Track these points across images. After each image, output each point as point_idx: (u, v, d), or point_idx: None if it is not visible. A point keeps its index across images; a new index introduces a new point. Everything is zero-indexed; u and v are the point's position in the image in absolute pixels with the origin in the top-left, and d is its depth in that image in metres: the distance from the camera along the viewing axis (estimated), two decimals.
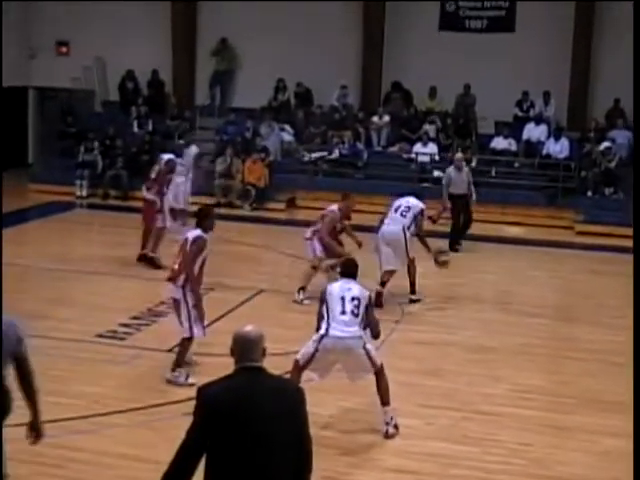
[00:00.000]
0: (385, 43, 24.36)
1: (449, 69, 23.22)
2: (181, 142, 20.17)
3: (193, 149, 19.62)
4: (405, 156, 23.01)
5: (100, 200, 21.72)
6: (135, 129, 24.06)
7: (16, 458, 7.71)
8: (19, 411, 8.66)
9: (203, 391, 4.72)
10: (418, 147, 22.77)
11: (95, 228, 19.31)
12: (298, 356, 8.73)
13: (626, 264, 17.30)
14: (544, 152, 22.47)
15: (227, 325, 11.25)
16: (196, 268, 9.82)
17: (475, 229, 18.33)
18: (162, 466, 4.76)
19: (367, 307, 8.72)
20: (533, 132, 22.88)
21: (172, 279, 9.91)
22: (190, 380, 9.54)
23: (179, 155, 17.80)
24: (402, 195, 14.01)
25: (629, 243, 18.81)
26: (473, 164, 22.64)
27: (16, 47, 25.13)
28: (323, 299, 8.78)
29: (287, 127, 23.67)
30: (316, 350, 8.62)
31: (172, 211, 16.06)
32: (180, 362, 9.88)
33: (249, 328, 4.89)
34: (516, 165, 22.57)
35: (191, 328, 9.76)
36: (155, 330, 11.73)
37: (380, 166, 22.74)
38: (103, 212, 20.55)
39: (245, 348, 4.78)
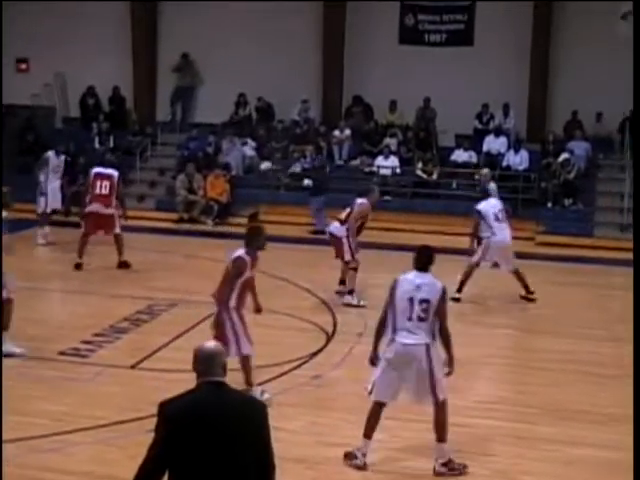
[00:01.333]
0: (345, 57, 24.50)
1: (409, 83, 23.38)
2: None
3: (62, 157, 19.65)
4: (367, 169, 23.11)
5: (62, 217, 21.56)
6: (96, 145, 23.97)
7: None
8: None
9: (165, 406, 4.71)
10: (379, 160, 22.88)
11: (56, 246, 19.14)
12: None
13: (587, 274, 17.53)
14: (504, 164, 22.66)
15: (191, 341, 11.20)
16: (235, 289, 9.56)
17: (436, 242, 18.38)
18: None
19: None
20: (493, 144, 23.08)
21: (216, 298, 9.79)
22: (266, 396, 9.40)
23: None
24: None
25: (589, 253, 19.10)
26: (434, 177, 22.81)
27: None
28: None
29: (249, 141, 23.69)
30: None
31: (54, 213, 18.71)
32: (250, 381, 9.60)
33: (210, 343, 4.91)
34: (477, 177, 22.72)
35: (239, 346, 9.52)
36: (118, 347, 11.67)
37: (342, 180, 22.80)
38: (64, 229, 20.38)
39: (206, 363, 4.78)
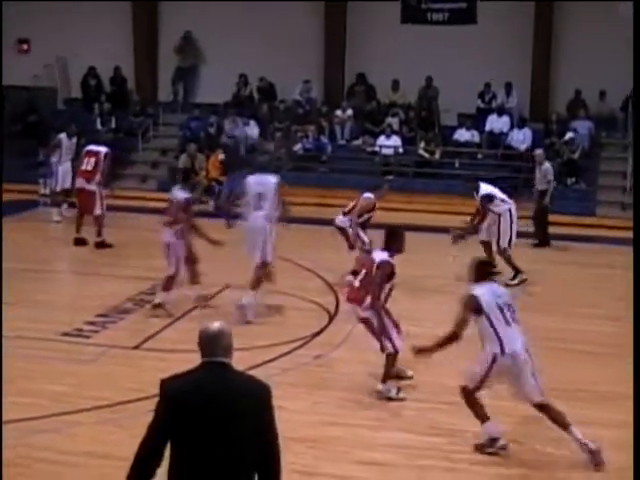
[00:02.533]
0: (347, 37, 24.42)
1: (411, 62, 23.31)
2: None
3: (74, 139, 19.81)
4: (369, 149, 23.07)
5: (63, 198, 21.56)
6: (98, 126, 23.92)
7: None
8: None
9: (165, 385, 4.72)
10: (381, 140, 22.85)
11: (59, 226, 19.13)
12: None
13: (589, 253, 17.51)
14: (506, 143, 22.61)
15: (193, 322, 11.24)
16: (382, 294, 9.52)
17: (439, 221, 18.40)
18: (129, 463, 4.75)
19: None
20: (495, 123, 23.03)
21: (356, 300, 9.66)
22: (401, 395, 9.48)
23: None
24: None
25: (592, 232, 19.07)
26: (437, 156, 22.80)
27: None
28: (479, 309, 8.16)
29: (251, 122, 23.64)
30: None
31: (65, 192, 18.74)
32: (388, 376, 9.60)
33: (215, 324, 4.89)
34: (479, 157, 22.70)
35: (392, 343, 9.50)
36: (121, 327, 11.69)
37: (344, 160, 22.79)
38: (66, 210, 20.38)
39: (210, 343, 4.78)
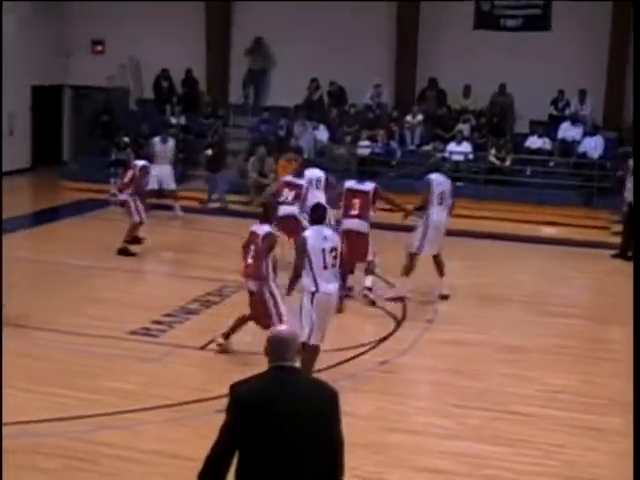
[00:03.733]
0: (419, 42, 24.29)
1: (483, 68, 23.11)
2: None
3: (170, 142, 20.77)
4: (439, 155, 22.95)
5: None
6: (170, 123, 24.15)
7: (48, 453, 7.82)
8: (53, 406, 8.79)
9: (236, 389, 4.72)
10: (452, 146, 22.70)
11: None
12: None
13: None
14: (579, 151, 22.32)
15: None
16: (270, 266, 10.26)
17: (509, 229, 18.27)
18: (194, 463, 4.77)
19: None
20: (568, 131, 22.72)
21: (248, 275, 10.32)
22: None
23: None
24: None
25: None
26: (507, 163, 22.58)
27: (52, 46, 25.32)
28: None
29: (321, 126, 23.66)
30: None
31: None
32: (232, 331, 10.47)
33: (283, 328, 4.92)
34: (551, 164, 22.43)
35: (280, 317, 10.10)
36: (188, 327, 11.77)
37: (413, 165, 22.69)
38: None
39: (279, 348, 4.77)
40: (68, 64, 26.16)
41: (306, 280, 9.22)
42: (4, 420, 8.26)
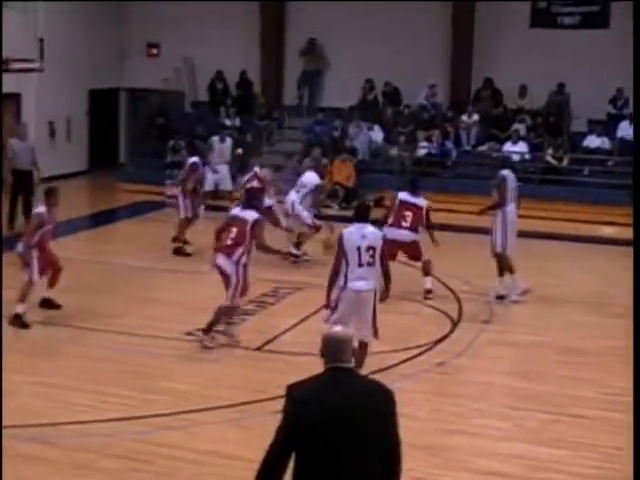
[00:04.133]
0: (474, 41, 24.14)
1: (539, 67, 22.88)
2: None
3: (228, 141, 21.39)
4: (495, 155, 22.77)
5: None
6: (225, 124, 24.27)
7: (109, 453, 7.88)
8: (113, 407, 8.87)
9: (293, 391, 4.70)
10: (508, 146, 22.51)
11: (194, 227, 19.50)
12: None
13: None
14: None
15: (315, 325, 11.25)
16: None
17: (568, 229, 18.07)
18: (251, 464, 4.77)
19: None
20: (627, 130, 22.41)
21: (222, 251, 10.83)
22: (212, 344, 10.82)
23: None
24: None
25: None
26: (565, 163, 22.35)
27: (107, 49, 25.59)
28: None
29: (376, 127, 23.61)
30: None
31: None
32: (212, 325, 10.79)
33: (339, 329, 4.88)
34: (610, 164, 22.14)
35: (236, 297, 10.84)
36: (243, 328, 11.77)
37: (469, 165, 22.56)
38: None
39: (335, 349, 4.74)
40: (124, 67, 26.43)
41: (339, 275, 9.31)
42: (68, 420, 8.40)
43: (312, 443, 4.58)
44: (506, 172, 13.69)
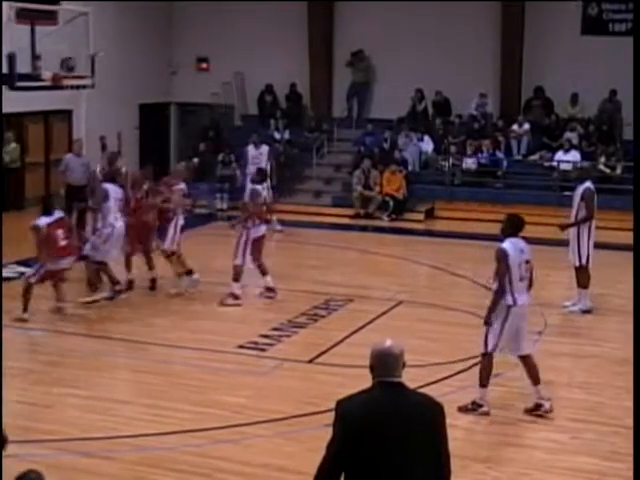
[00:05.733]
0: (524, 49, 23.97)
1: (591, 74, 22.67)
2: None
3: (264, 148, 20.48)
4: (546, 164, 22.57)
5: None
6: (275, 137, 24.34)
7: (167, 467, 7.90)
8: (168, 420, 8.89)
9: (342, 405, 4.67)
10: (559, 155, 22.30)
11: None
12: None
13: None
14: None
15: (367, 337, 11.21)
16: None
17: (622, 238, 17.83)
18: (303, 477, 4.76)
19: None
20: None
21: None
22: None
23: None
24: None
25: None
26: (618, 171, 22.08)
27: (158, 64, 25.81)
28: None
29: (426, 137, 23.52)
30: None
31: None
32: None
33: (389, 343, 4.79)
34: None
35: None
36: (295, 341, 11.77)
37: (520, 175, 22.37)
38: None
39: (385, 363, 4.70)
40: (173, 82, 26.62)
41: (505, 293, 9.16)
42: (124, 434, 8.43)
43: (362, 458, 4.55)
44: (590, 184, 13.45)
